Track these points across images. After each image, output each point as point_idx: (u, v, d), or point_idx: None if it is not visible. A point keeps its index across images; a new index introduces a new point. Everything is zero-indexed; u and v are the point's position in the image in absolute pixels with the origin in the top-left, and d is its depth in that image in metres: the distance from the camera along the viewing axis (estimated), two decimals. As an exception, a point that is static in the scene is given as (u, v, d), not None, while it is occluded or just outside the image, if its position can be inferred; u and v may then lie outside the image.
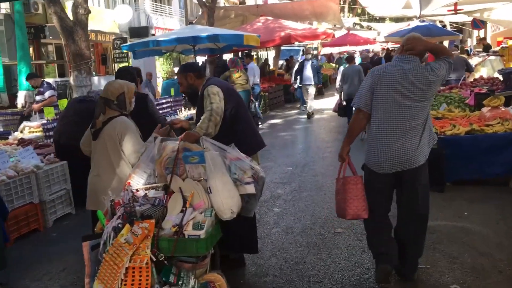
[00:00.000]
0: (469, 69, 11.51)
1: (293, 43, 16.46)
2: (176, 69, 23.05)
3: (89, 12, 11.77)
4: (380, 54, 26.65)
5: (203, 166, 3.22)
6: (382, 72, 3.42)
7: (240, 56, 13.72)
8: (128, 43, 13.43)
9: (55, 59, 20.83)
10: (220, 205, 3.13)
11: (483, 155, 6.04)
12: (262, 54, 33.30)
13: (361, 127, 3.59)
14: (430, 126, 3.47)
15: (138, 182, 3.35)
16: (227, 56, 24.52)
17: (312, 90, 13.31)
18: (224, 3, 32.05)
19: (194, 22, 20.83)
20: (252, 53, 23.78)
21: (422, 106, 3.36)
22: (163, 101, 9.98)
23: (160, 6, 28.99)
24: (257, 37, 12.93)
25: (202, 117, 3.63)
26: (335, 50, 32.15)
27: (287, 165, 7.73)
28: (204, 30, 12.40)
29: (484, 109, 6.98)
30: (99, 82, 19.03)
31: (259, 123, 11.76)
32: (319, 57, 26.99)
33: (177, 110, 10.22)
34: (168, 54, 21.06)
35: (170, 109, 10.16)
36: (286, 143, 9.70)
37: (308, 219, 5.21)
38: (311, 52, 12.55)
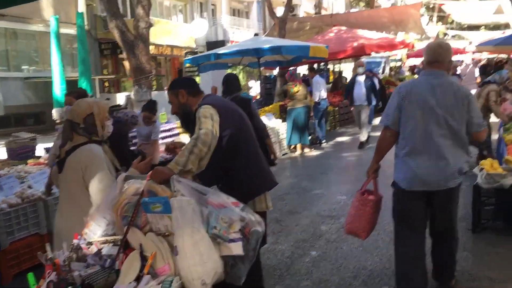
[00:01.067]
0: None
1: (368, 54, 15.20)
2: (251, 83, 22.66)
3: (151, 25, 11.50)
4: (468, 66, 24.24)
5: (169, 217, 2.37)
6: (410, 89, 3.31)
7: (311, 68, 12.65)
8: (190, 57, 13.00)
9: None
10: (188, 273, 2.25)
11: None
12: (344, 66, 32.15)
13: (389, 145, 3.48)
14: (465, 148, 3.32)
15: (94, 233, 2.57)
16: (302, 69, 23.88)
17: (364, 114, 10.08)
18: (303, 14, 31.30)
19: (265, 34, 20.27)
20: (328, 66, 22.84)
21: (452, 125, 3.22)
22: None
23: (238, 19, 28.89)
24: (325, 48, 11.97)
25: (183, 148, 2.78)
26: (419, 62, 29.99)
27: (341, 193, 6.65)
28: (267, 42, 11.64)
29: None
30: (161, 96, 19.02)
31: (321, 142, 10.70)
32: (401, 69, 25.06)
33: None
34: (241, 67, 20.64)
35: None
36: (347, 166, 8.61)
37: (349, 270, 4.15)
38: (363, 64, 10.63)
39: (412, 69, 28.19)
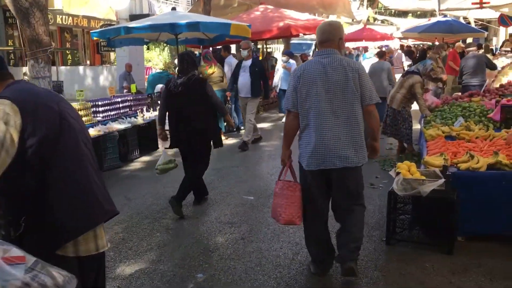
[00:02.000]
0: (492, 67, 9.49)
1: (295, 35, 14.51)
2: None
3: (49, -9, 10.06)
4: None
5: None
6: (302, 71, 3.42)
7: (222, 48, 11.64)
8: (98, 30, 11.65)
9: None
10: None
11: (512, 202, 4.16)
12: (276, 47, 31.45)
13: (294, 128, 3.51)
14: (359, 127, 3.39)
15: None
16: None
17: (250, 108, 8.62)
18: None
19: (189, 10, 19.04)
20: (259, 46, 21.99)
21: (345, 101, 3.33)
22: (119, 99, 8.14)
23: (167, -6, 27.25)
24: (247, 27, 11.05)
25: None
26: (350, 45, 29.82)
27: (250, 192, 5.87)
28: (184, 17, 10.56)
29: (516, 131, 5.05)
30: (73, 72, 17.36)
31: (239, 128, 9.85)
32: None
33: (137, 111, 8.44)
34: (163, 43, 19.33)
35: (128, 109, 8.36)
36: (261, 159, 7.78)
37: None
38: (249, 46, 9.08)
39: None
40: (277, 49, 30.72)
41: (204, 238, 4.48)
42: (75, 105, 7.21)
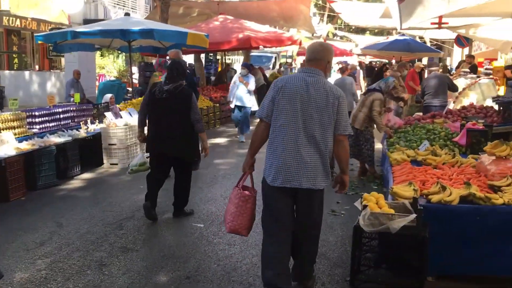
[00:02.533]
0: (453, 89, 9.35)
1: (255, 47, 14.10)
2: (135, 69, 20.51)
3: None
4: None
5: None
6: (284, 83, 3.32)
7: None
8: (44, 33, 10.81)
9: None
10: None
11: (487, 239, 3.75)
12: (236, 58, 31.01)
13: (263, 138, 3.41)
14: (325, 156, 3.30)
15: None
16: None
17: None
18: None
19: (145, 17, 18.34)
20: (218, 57, 21.45)
21: (320, 123, 3.26)
22: (59, 109, 7.38)
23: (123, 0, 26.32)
24: (205, 37, 10.59)
25: None
26: None
27: (199, 219, 5.28)
28: (138, 24, 9.96)
29: (485, 158, 4.70)
30: (18, 78, 16.16)
31: None
32: (292, 67, 24.45)
33: (81, 123, 7.69)
34: (114, 51, 18.48)
35: (70, 121, 7.61)
36: (214, 179, 7.04)
37: None
38: (179, 56, 7.17)
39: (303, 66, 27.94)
40: (237, 60, 30.30)
41: (143, 277, 3.85)
42: (6, 115, 6.43)
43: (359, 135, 7.09)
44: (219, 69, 20.71)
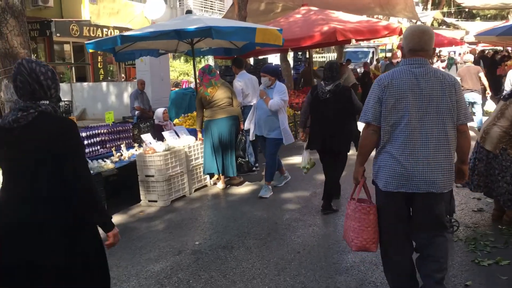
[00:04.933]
0: None
1: (345, 41, 11.73)
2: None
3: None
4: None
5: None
6: (390, 80, 2.94)
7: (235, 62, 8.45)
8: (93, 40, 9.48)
9: (71, 61, 17.46)
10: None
11: None
12: (329, 56, 28.42)
13: (373, 144, 3.05)
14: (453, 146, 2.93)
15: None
16: (274, 60, 20.25)
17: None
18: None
19: (223, 17, 16.70)
20: (300, 56, 19.17)
21: (440, 117, 2.87)
22: (84, 133, 5.75)
23: (211, 2, 25.16)
24: (277, 32, 8.50)
25: None
26: None
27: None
28: (195, 22, 8.10)
29: None
30: (96, 89, 15.17)
31: (253, 168, 6.85)
32: (380, 61, 21.33)
33: (114, 148, 6.01)
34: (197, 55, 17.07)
35: (99, 147, 5.96)
36: (291, 224, 5.01)
37: None
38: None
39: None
40: (330, 58, 27.75)
41: None
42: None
43: (492, 161, 4.57)
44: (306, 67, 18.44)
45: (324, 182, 5.36)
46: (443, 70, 9.41)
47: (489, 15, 38.08)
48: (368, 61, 21.70)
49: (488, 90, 10.37)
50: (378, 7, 14.63)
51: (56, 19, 15.30)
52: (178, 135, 6.41)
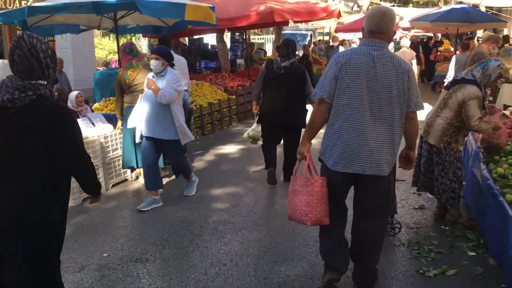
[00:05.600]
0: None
1: (281, 23, 11.16)
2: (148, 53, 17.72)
3: None
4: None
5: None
6: (348, 59, 2.89)
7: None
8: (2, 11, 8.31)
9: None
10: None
11: None
12: (268, 38, 27.76)
13: (323, 121, 3.00)
14: (395, 137, 2.91)
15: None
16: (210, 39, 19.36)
17: None
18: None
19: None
20: (237, 38, 18.42)
21: (389, 103, 2.85)
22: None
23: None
24: (210, 10, 7.77)
25: None
26: (349, 37, 25.87)
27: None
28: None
29: None
30: None
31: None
32: (315, 45, 21.07)
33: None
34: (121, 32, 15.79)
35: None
36: (215, 228, 4.44)
37: None
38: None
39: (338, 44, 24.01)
40: (269, 40, 27.13)
41: None
42: None
43: (433, 156, 4.20)
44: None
45: (265, 154, 5.59)
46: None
47: (421, 2, 39.03)
48: (307, 43, 21.38)
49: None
50: (317, -11, 14.16)
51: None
52: (93, 123, 5.57)
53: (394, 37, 16.41)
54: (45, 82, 2.20)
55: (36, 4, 7.09)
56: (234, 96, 9.67)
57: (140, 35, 17.54)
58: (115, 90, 5.58)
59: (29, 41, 2.14)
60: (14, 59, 2.14)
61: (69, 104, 6.38)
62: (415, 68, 9.94)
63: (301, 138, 3.47)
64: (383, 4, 27.07)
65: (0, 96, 2.09)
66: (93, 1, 6.57)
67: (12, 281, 2.20)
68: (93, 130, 5.43)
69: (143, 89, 5.36)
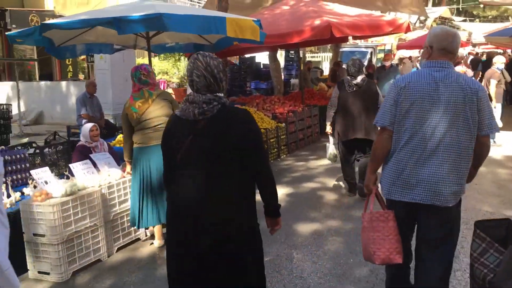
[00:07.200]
0: None
1: (341, 38, 9.67)
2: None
3: None
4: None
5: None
6: (407, 82, 2.72)
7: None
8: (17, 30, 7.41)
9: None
10: None
11: None
12: (322, 56, 26.20)
13: (387, 150, 2.81)
14: (465, 158, 2.64)
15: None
16: (262, 57, 18.13)
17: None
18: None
19: (202, 7, 14.60)
20: (292, 56, 17.05)
21: (455, 126, 2.60)
22: None
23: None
24: (255, 24, 6.46)
25: None
26: (414, 54, 23.50)
27: None
28: (145, 8, 6.03)
29: None
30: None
31: None
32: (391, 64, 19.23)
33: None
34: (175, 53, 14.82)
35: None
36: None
37: None
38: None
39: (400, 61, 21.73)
40: (326, 58, 25.57)
41: None
42: None
43: None
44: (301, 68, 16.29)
45: (347, 170, 5.74)
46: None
47: (490, 16, 36.20)
48: (366, 62, 19.62)
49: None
50: (379, 1, 12.52)
51: (12, 8, 13.16)
52: (97, 167, 4.31)
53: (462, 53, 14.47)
54: (222, 94, 2.35)
55: (50, 21, 6.05)
56: (283, 124, 8.23)
57: (181, 54, 16.62)
58: (122, 126, 4.29)
59: (204, 60, 2.28)
60: (193, 79, 2.30)
61: (81, 139, 5.19)
62: (492, 88, 8.30)
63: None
64: (456, 18, 24.78)
65: (191, 112, 2.27)
66: (114, 17, 5.46)
67: None
68: (93, 177, 4.16)
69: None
